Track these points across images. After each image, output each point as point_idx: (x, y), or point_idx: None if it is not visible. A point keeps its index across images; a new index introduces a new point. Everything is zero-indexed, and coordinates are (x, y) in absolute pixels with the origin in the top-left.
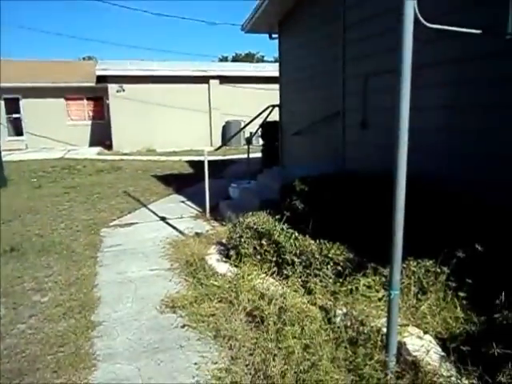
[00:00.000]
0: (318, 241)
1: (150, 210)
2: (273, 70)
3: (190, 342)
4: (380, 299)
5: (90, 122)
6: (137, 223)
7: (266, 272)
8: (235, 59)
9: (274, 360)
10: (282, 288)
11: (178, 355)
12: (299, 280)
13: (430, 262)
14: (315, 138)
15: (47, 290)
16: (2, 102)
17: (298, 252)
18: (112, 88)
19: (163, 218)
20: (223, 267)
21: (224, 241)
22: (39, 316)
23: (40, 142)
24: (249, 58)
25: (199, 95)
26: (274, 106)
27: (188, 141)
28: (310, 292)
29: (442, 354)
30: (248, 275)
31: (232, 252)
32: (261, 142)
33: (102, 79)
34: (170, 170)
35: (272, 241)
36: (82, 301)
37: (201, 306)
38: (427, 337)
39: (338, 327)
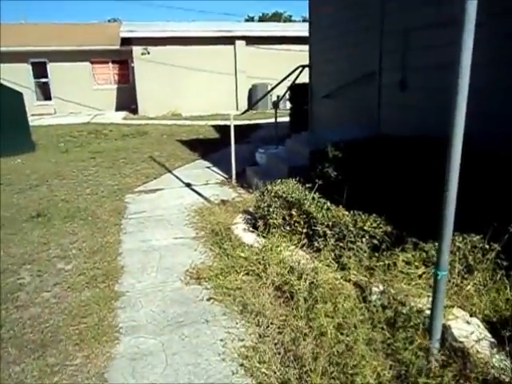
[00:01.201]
0: (352, 212)
1: (175, 175)
2: (302, 29)
3: (216, 316)
4: (420, 276)
5: (115, 86)
6: (162, 189)
7: (295, 244)
8: (262, 19)
9: (304, 340)
10: (313, 262)
11: (203, 330)
12: (332, 254)
13: (478, 237)
14: (347, 100)
15: (71, 257)
16: (30, 67)
17: (330, 224)
18: (137, 50)
19: (188, 185)
20: (250, 237)
21: (251, 209)
22: (63, 284)
23: (68, 106)
24: (276, 17)
25: (225, 57)
26: (303, 67)
27: (214, 105)
28: (343, 267)
29: (492, 340)
30: (276, 247)
31: (260, 222)
32: (288, 105)
33: (126, 41)
34: (195, 135)
35: (302, 211)
36: (106, 269)
37: (227, 279)
38: (474, 320)
39: (375, 306)
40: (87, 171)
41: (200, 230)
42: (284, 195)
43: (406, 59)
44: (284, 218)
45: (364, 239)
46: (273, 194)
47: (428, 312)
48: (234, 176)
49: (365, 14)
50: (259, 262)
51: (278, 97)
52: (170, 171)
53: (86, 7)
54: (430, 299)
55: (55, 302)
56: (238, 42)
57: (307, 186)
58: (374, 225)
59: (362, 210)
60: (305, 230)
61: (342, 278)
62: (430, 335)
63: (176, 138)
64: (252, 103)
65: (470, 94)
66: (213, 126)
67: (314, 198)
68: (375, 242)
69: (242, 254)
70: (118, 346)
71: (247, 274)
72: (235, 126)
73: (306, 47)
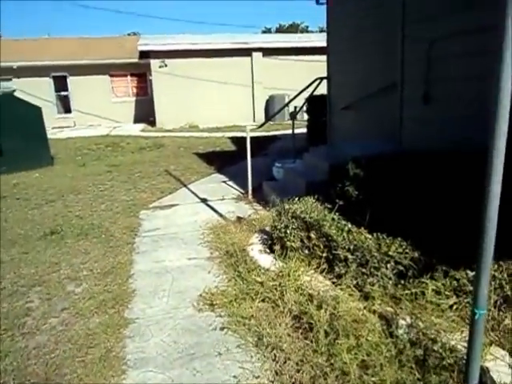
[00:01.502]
0: (375, 235)
1: (190, 190)
2: (319, 40)
3: (230, 348)
4: (451, 307)
5: (134, 99)
6: (177, 205)
7: (314, 269)
8: (279, 30)
9: (325, 379)
10: (334, 289)
11: (215, 364)
12: (353, 281)
13: None
14: (367, 113)
15: (82, 279)
16: (51, 80)
17: (351, 247)
18: (154, 63)
19: (204, 200)
20: (266, 260)
21: (267, 229)
22: (71, 310)
23: (87, 119)
24: (293, 28)
25: (242, 69)
26: (321, 79)
27: (230, 116)
28: (366, 296)
29: None
30: (294, 272)
31: (277, 245)
32: (305, 116)
33: (144, 55)
34: (212, 147)
35: (322, 233)
36: (116, 293)
37: (241, 306)
38: None
39: (402, 341)
40: (103, 186)
41: (214, 249)
42: (302, 215)
43: (430, 70)
44: (302, 241)
45: (389, 265)
46: (290, 214)
47: (462, 350)
48: (250, 191)
49: (385, 22)
50: (276, 288)
51: (295, 108)
52: (185, 185)
53: (106, 22)
54: (464, 335)
55: (62, 329)
56: (254, 54)
57: (327, 205)
58: (400, 250)
59: (386, 232)
60: (324, 254)
61: (365, 308)
62: (466, 379)
63: (193, 151)
64: (269, 114)
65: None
66: (230, 138)
67: (333, 219)
68: (401, 268)
69: (258, 279)
70: (124, 382)
71: (263, 300)
72: (252, 138)
73: (323, 57)
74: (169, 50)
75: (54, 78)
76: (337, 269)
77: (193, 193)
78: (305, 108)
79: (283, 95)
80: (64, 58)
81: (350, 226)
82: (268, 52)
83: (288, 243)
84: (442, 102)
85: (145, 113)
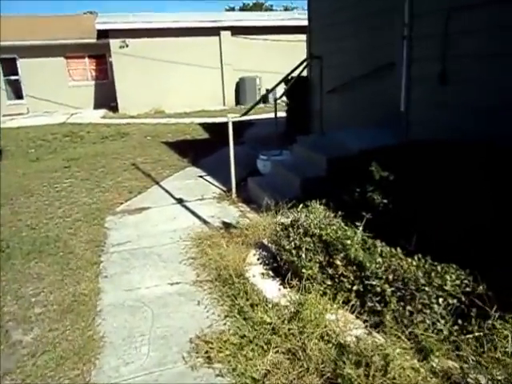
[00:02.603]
0: (416, 258)
1: (163, 188)
2: (290, 18)
3: None
4: None
5: (93, 83)
6: (149, 208)
7: (341, 304)
8: (242, 9)
9: None
10: (372, 335)
11: None
12: (395, 321)
13: None
14: (361, 97)
15: (33, 320)
16: None
17: (390, 277)
18: (114, 43)
19: (180, 201)
20: (272, 289)
21: (266, 242)
22: (16, 375)
23: (42, 105)
24: (257, 7)
25: (210, 49)
26: (311, 59)
27: (199, 100)
28: (418, 345)
29: None
30: (314, 308)
31: (283, 267)
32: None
33: (103, 34)
34: (182, 135)
35: (348, 259)
36: (79, 343)
37: (249, 360)
38: None
39: None
40: (60, 185)
41: (201, 269)
42: (317, 232)
43: (447, 46)
44: (322, 265)
45: (443, 301)
46: (301, 229)
47: None
48: (233, 189)
49: None
50: (293, 334)
51: (266, 90)
52: (157, 183)
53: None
54: None
55: None
56: (223, 33)
57: (339, 213)
58: (458, 282)
59: (430, 254)
60: (355, 287)
61: (420, 362)
62: None
63: (161, 140)
64: (240, 98)
65: None
66: (200, 125)
67: (363, 240)
68: (459, 304)
69: (267, 318)
70: None
71: (277, 351)
72: (224, 125)
73: (296, 37)
74: (130, 29)
75: (2, 60)
76: (370, 303)
77: (166, 192)
78: (282, 90)
79: (254, 77)
80: (12, 38)
81: (381, 245)
82: (237, 31)
83: (304, 270)
84: (465, 83)
85: (106, 98)
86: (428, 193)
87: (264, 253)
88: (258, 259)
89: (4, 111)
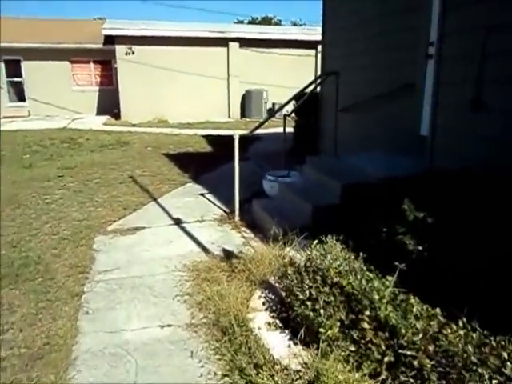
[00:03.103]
0: (461, 323)
1: (160, 206)
2: (299, 33)
3: None
4: None
5: (97, 88)
6: (143, 228)
7: (367, 376)
8: (251, 23)
9: None
10: None
11: None
12: None
13: None
14: (376, 118)
15: None
16: (2, 64)
17: (430, 349)
18: (120, 50)
19: (178, 222)
20: (280, 344)
21: (273, 281)
22: None
23: (44, 108)
24: (266, 22)
25: (217, 60)
26: (327, 75)
27: (204, 111)
28: None
29: None
30: (333, 377)
31: (300, 326)
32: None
33: (109, 40)
34: (184, 147)
35: (378, 320)
36: None
37: None
38: None
39: None
40: (51, 196)
41: (197, 309)
42: (337, 280)
43: (483, 69)
44: (343, 323)
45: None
46: (319, 276)
47: None
48: (237, 212)
49: (409, 8)
50: None
51: (273, 104)
52: (154, 199)
53: (71, 5)
54: None
55: None
56: (231, 44)
57: (362, 254)
58: None
59: (479, 319)
60: (386, 359)
61: None
62: None
63: (162, 151)
64: (246, 110)
65: None
66: (204, 137)
67: (394, 294)
68: None
69: None
70: None
71: None
72: (229, 138)
73: (305, 52)
74: (137, 36)
75: (6, 61)
76: (403, 377)
77: (164, 210)
78: (292, 107)
79: (261, 90)
80: (18, 40)
81: (415, 302)
82: (245, 43)
83: (321, 330)
84: (501, 111)
85: (109, 104)
86: (473, 238)
87: (270, 295)
88: (264, 303)
89: (4, 113)
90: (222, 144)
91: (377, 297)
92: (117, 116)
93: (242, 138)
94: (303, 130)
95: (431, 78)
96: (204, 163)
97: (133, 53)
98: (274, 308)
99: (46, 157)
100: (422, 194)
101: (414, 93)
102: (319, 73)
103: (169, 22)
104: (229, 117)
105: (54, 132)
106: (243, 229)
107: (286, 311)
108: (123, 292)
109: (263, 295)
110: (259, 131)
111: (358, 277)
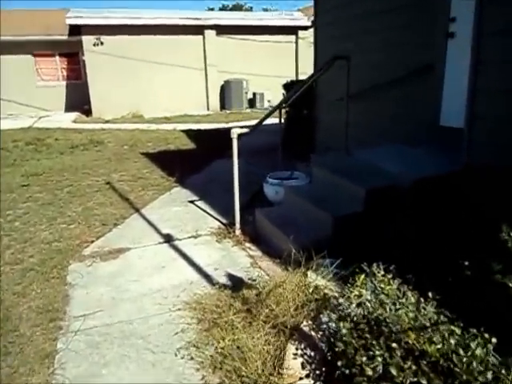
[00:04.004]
0: None
1: (145, 219)
2: (278, 18)
3: None
4: None
5: (64, 83)
6: (128, 249)
7: None
8: (222, 10)
9: None
10: None
11: None
12: None
13: None
14: (389, 106)
15: None
16: None
17: None
18: (87, 41)
19: (169, 239)
20: None
21: (306, 327)
22: None
23: (5, 106)
24: (237, 8)
25: (193, 49)
26: (335, 58)
27: (181, 104)
28: None
29: None
30: None
31: None
32: (267, 104)
33: (75, 30)
34: (164, 145)
35: None
36: None
37: None
38: None
39: None
40: (14, 211)
41: (210, 370)
42: (424, 348)
43: None
44: None
45: None
46: (383, 336)
47: None
48: (237, 224)
49: None
50: None
51: (254, 94)
52: (137, 210)
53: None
54: None
55: None
56: (207, 32)
57: (429, 294)
58: None
59: None
60: None
61: None
62: None
63: (141, 150)
64: (225, 102)
65: None
66: (184, 132)
67: (487, 361)
68: None
69: None
70: None
71: None
72: (213, 132)
73: (285, 38)
74: (105, 25)
75: None
76: None
77: (150, 224)
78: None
79: (241, 80)
80: None
81: None
82: (222, 30)
83: None
84: None
85: (79, 100)
86: None
87: (309, 351)
88: (304, 365)
89: None
90: (204, 140)
91: (490, 375)
92: (88, 112)
93: (224, 130)
94: (296, 122)
95: (457, 59)
96: (189, 162)
97: (101, 43)
98: (318, 372)
99: (9, 162)
100: (481, 201)
101: (432, 78)
102: (301, 60)
103: (138, 10)
104: (208, 109)
105: (18, 132)
106: (247, 245)
107: (335, 374)
108: (109, 347)
109: (298, 351)
110: (240, 123)
111: (445, 335)
